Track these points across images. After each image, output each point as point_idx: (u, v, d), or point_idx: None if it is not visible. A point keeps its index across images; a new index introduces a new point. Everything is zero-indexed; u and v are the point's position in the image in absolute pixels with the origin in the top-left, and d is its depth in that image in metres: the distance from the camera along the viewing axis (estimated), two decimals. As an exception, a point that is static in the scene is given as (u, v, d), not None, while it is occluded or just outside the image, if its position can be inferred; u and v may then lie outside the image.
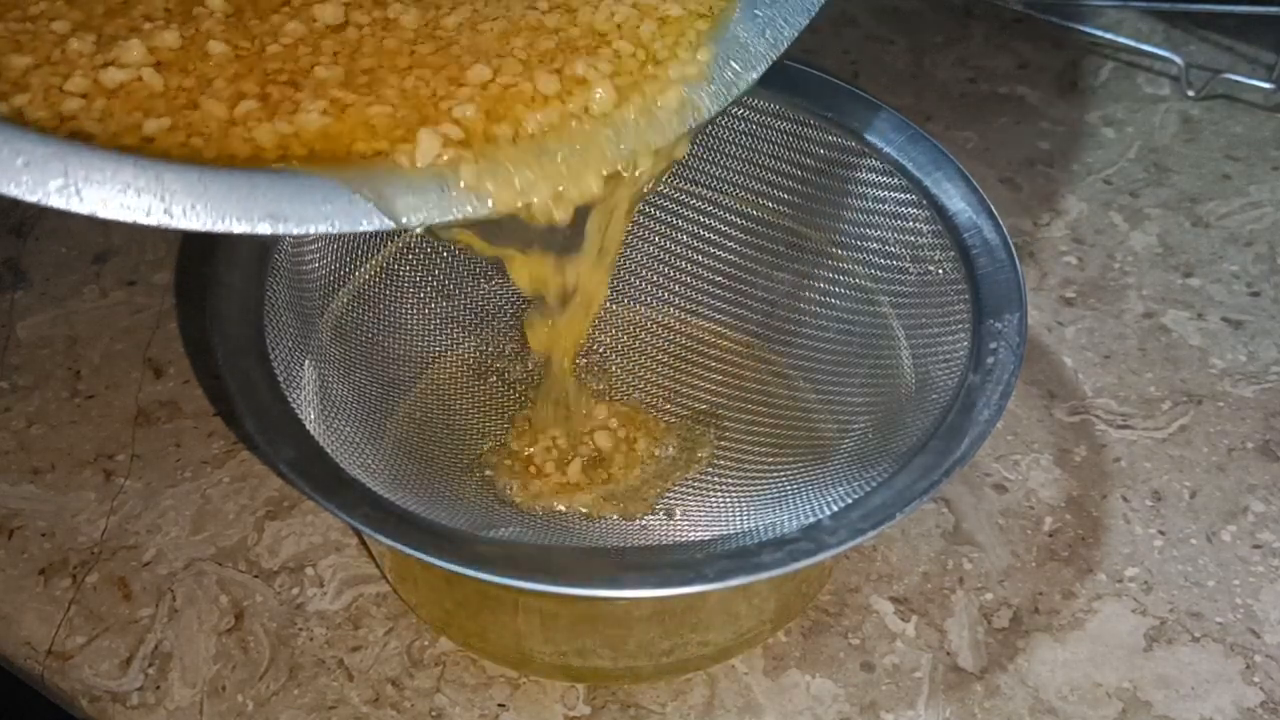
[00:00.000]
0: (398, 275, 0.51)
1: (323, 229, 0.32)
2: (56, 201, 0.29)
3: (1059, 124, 0.69)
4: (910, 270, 0.47)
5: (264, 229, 0.31)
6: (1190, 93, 0.71)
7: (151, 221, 0.30)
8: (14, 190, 0.29)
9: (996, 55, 0.74)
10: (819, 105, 0.48)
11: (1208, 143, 0.68)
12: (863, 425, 0.46)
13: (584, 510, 0.47)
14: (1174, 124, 0.70)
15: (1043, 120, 0.70)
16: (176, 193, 0.30)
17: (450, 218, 0.33)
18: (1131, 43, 0.73)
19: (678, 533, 0.47)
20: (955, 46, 0.75)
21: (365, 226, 0.32)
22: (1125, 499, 0.50)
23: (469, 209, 0.33)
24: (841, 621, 0.46)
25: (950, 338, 0.44)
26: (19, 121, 0.31)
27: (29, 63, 0.33)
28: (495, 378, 0.52)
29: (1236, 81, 0.70)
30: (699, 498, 0.48)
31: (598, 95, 0.35)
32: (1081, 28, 0.74)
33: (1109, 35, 0.73)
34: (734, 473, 0.49)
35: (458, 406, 0.51)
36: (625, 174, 0.36)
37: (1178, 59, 0.71)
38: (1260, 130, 0.69)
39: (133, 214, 0.30)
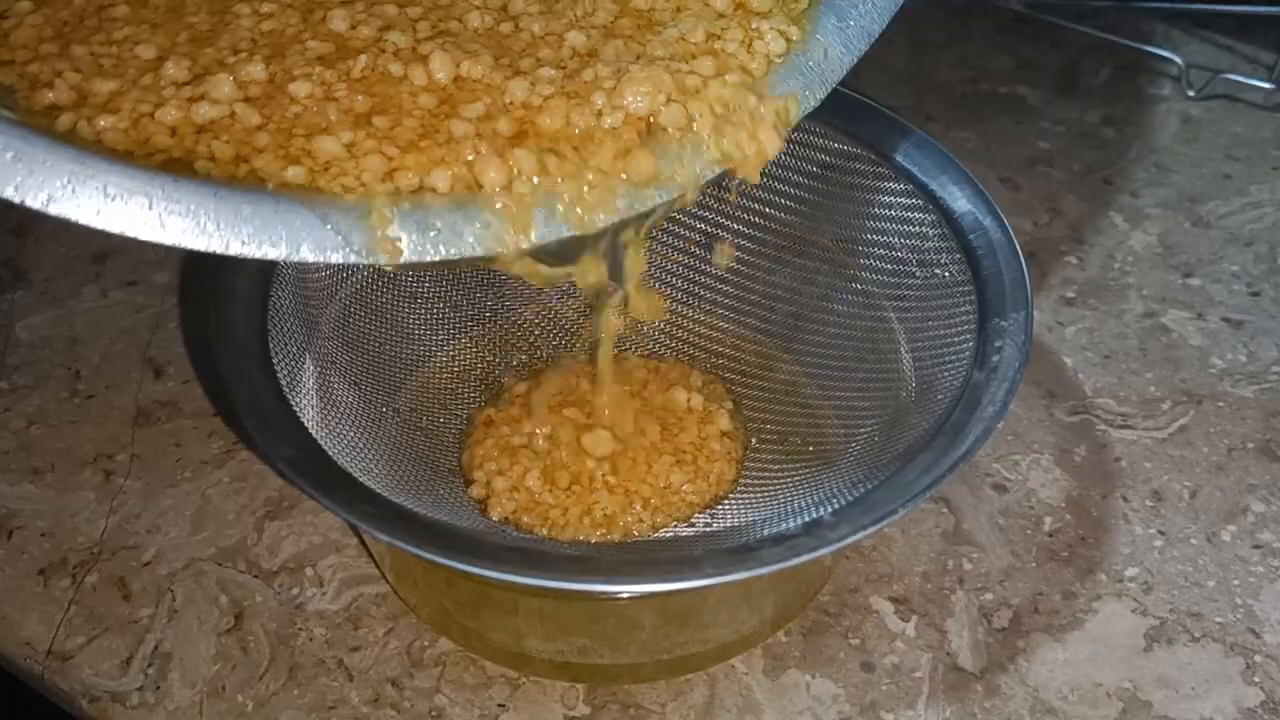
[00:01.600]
0: (397, 278, 0.51)
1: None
2: (142, 234, 0.30)
3: (1059, 124, 0.69)
4: (917, 274, 0.47)
5: (335, 258, 0.32)
6: (1190, 93, 0.71)
7: (232, 251, 0.31)
8: (99, 222, 0.30)
9: (996, 55, 0.74)
10: (823, 112, 0.48)
11: (1208, 143, 0.68)
12: (870, 429, 0.46)
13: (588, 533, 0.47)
14: (1174, 124, 0.70)
15: (1043, 120, 0.70)
16: (253, 223, 0.31)
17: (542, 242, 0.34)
18: (1131, 43, 0.73)
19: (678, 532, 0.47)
20: (955, 46, 0.75)
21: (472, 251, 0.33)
22: (1125, 499, 0.50)
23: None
24: (841, 621, 0.46)
25: (956, 338, 0.44)
26: (98, 144, 0.32)
27: (114, 87, 0.33)
28: (498, 385, 0.52)
29: (1236, 81, 0.71)
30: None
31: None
32: (1081, 28, 0.74)
33: (1109, 35, 0.73)
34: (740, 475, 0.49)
35: (456, 408, 0.51)
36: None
37: (1178, 59, 0.71)
38: (1260, 130, 0.69)
39: (211, 244, 0.30)
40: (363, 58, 0.35)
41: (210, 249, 0.30)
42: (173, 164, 0.32)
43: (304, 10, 0.36)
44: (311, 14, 0.36)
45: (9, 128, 0.29)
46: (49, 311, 0.59)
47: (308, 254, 0.31)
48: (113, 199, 0.30)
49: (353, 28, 0.36)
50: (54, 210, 0.29)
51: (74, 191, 0.29)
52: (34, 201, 0.29)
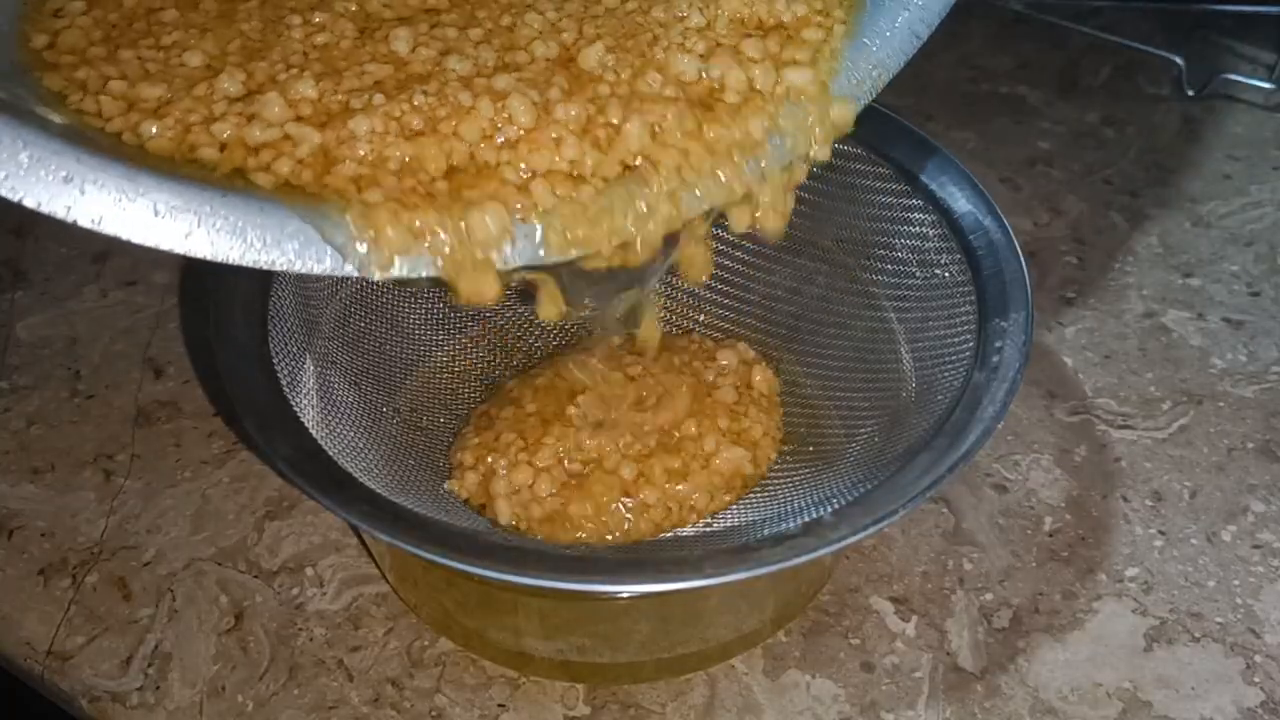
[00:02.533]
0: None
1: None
2: (194, 251, 0.30)
3: (1059, 124, 0.69)
4: (917, 274, 0.47)
5: (381, 274, 0.32)
6: (1190, 93, 0.71)
7: (279, 267, 0.31)
8: (150, 240, 0.30)
9: (996, 55, 0.74)
10: None
11: (1208, 143, 0.68)
12: (870, 429, 0.46)
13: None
14: (1174, 124, 0.70)
15: (1043, 120, 0.70)
16: (299, 239, 0.31)
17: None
18: (1131, 43, 0.73)
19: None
20: (955, 46, 0.75)
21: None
22: (1125, 499, 0.50)
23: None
24: (841, 621, 0.46)
25: (956, 338, 0.44)
26: (143, 151, 0.32)
27: (161, 94, 0.33)
28: (498, 384, 0.52)
29: (1236, 81, 0.71)
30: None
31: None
32: (1081, 28, 0.74)
33: (1109, 35, 0.73)
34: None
35: (456, 408, 0.51)
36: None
37: (1178, 59, 0.71)
38: (1260, 130, 0.69)
39: (259, 259, 0.31)
40: (426, 87, 0.34)
41: (257, 264, 0.31)
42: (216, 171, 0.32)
43: (360, 23, 0.36)
44: (372, 31, 0.36)
45: (62, 146, 0.30)
46: (49, 311, 0.59)
47: (350, 269, 0.32)
48: (161, 217, 0.30)
49: (413, 50, 0.35)
50: (106, 229, 0.30)
51: (124, 210, 0.30)
52: (85, 220, 0.29)
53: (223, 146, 0.32)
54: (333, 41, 0.35)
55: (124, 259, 0.61)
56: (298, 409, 0.41)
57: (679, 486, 0.46)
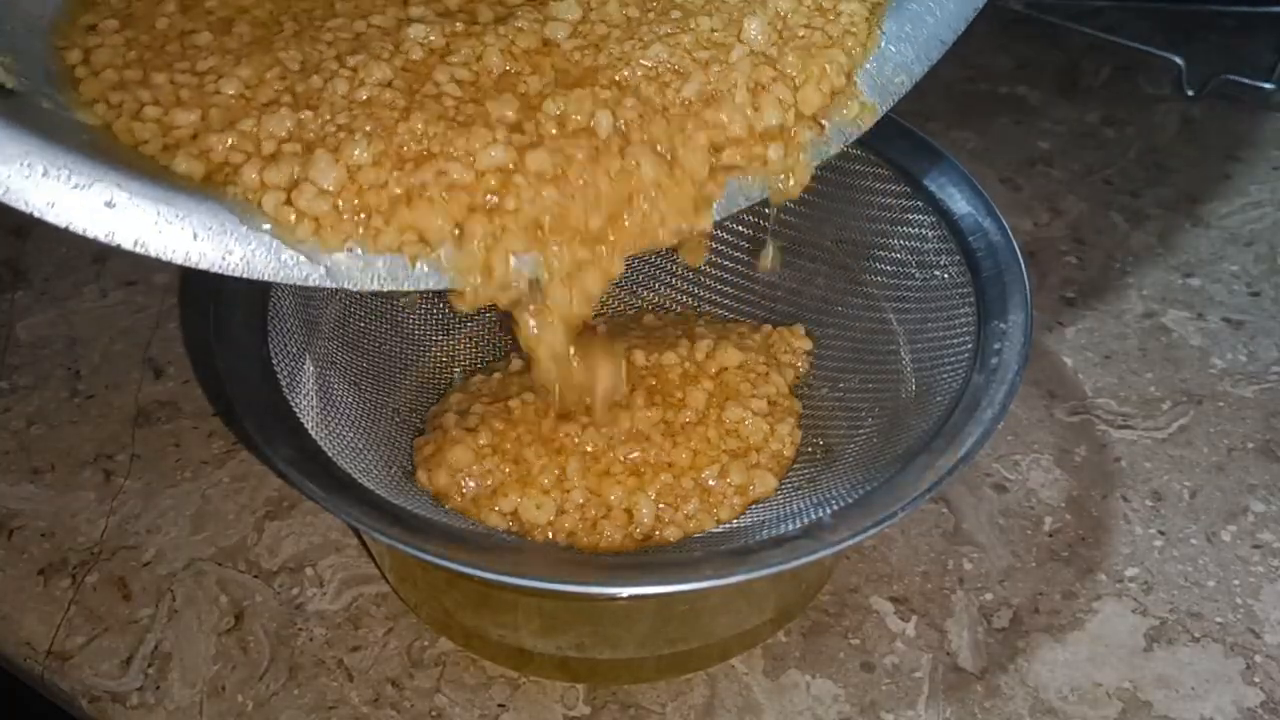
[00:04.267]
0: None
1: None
2: (221, 267, 0.32)
3: (1059, 124, 0.69)
4: (916, 275, 0.47)
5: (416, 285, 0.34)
6: (1190, 93, 0.71)
7: (311, 282, 0.33)
8: (189, 262, 0.31)
9: (996, 55, 0.74)
10: None
11: (1208, 143, 0.68)
12: (869, 430, 0.46)
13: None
14: (1174, 124, 0.70)
15: (1043, 120, 0.70)
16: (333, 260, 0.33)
17: None
18: (1131, 43, 0.73)
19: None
20: (955, 46, 0.75)
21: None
22: (1125, 499, 0.50)
23: None
24: (841, 621, 0.46)
25: (956, 339, 0.44)
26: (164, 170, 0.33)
27: (195, 120, 0.33)
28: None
29: (1236, 81, 0.71)
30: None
31: None
32: (1082, 28, 0.74)
33: (1109, 35, 0.73)
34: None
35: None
36: None
37: (1178, 59, 0.71)
38: (1260, 130, 0.69)
39: (291, 277, 0.32)
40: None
41: (290, 280, 0.32)
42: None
43: (408, 76, 0.36)
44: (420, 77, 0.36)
45: (104, 171, 0.30)
46: (49, 311, 0.59)
47: (378, 285, 0.33)
48: (200, 240, 0.31)
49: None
50: (150, 252, 0.31)
51: (161, 233, 0.31)
52: (126, 244, 0.30)
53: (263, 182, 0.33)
54: (379, 93, 0.35)
55: (124, 259, 0.61)
56: (298, 409, 0.41)
57: (702, 520, 0.44)
